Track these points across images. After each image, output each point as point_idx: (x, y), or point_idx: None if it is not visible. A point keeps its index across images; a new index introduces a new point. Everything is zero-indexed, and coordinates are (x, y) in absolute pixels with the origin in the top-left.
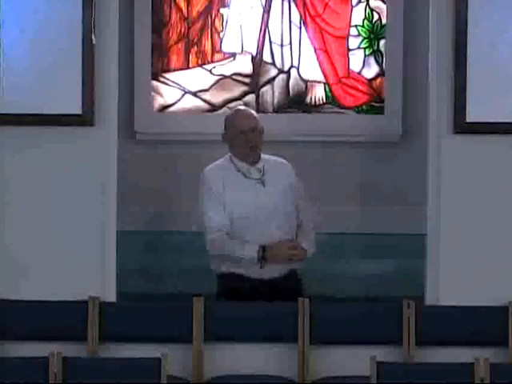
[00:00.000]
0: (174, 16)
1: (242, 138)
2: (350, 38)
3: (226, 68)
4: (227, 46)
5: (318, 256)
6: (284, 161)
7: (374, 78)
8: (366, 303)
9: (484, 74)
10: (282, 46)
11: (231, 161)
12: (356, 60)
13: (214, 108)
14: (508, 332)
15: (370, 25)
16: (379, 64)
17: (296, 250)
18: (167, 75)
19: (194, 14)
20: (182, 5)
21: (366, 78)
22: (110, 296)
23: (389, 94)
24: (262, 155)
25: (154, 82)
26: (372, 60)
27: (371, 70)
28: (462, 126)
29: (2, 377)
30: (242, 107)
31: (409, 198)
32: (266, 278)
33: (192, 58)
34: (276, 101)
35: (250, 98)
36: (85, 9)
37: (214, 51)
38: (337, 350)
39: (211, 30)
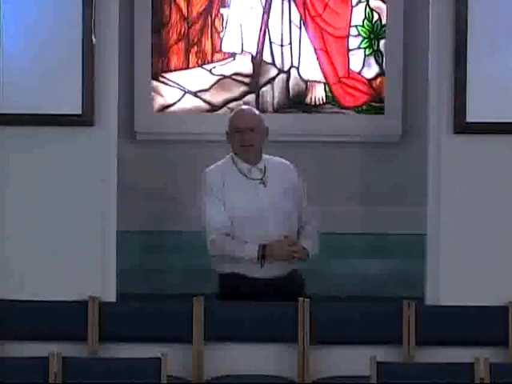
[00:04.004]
0: (174, 16)
1: (236, 137)
2: (350, 38)
3: (226, 68)
4: (227, 46)
5: (318, 256)
6: (287, 162)
7: (374, 78)
8: (366, 303)
9: (484, 74)
10: (281, 46)
11: (232, 161)
12: (356, 60)
13: (214, 108)
14: (508, 332)
15: (370, 25)
16: (379, 64)
17: (296, 246)
18: (167, 75)
19: (194, 13)
20: (182, 5)
21: (366, 78)
22: (110, 296)
23: (389, 94)
24: (264, 155)
25: (154, 82)
26: (372, 60)
27: (371, 70)
28: (462, 126)
29: (1, 377)
30: (245, 106)
31: (409, 198)
32: (267, 277)
33: (192, 58)
34: (276, 101)
35: (250, 98)
36: (85, 9)
37: (214, 51)
38: (337, 350)
39: (211, 29)
